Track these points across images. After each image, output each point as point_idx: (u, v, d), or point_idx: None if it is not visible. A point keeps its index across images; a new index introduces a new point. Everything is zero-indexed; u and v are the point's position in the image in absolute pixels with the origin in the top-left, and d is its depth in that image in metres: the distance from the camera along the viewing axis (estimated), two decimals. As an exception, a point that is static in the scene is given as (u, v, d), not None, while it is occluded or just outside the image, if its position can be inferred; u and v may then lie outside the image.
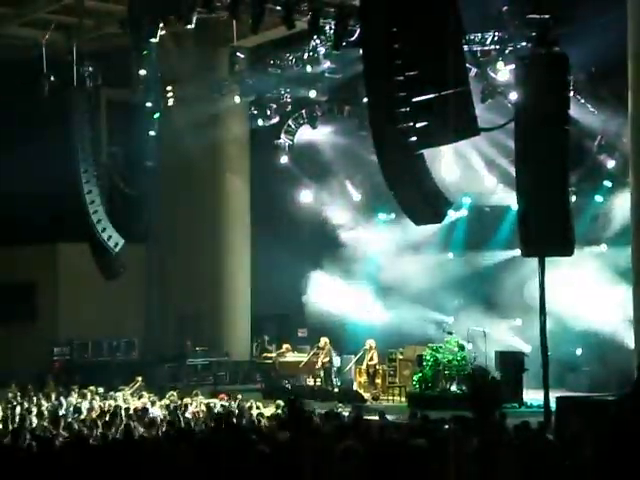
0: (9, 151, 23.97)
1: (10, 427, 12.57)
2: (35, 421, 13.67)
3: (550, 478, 6.74)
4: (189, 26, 17.69)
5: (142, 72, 21.29)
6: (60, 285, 26.91)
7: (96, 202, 23.15)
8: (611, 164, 18.38)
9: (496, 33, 17.17)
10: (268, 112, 22.30)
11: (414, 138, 13.07)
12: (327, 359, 21.59)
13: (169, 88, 22.77)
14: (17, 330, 26.05)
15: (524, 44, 16.47)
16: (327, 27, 17.84)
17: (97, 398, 17.08)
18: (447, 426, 11.24)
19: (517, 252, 14.43)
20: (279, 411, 14.54)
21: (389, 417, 14.01)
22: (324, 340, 21.76)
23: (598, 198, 19.72)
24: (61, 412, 14.56)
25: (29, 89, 22.02)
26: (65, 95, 22.21)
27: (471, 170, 20.95)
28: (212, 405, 15.76)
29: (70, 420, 13.47)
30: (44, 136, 21.79)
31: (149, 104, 22.72)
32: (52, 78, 21.72)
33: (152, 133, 22.62)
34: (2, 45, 24.81)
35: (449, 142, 15.54)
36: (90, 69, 21.96)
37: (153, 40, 18.89)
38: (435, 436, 8.65)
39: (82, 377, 21.20)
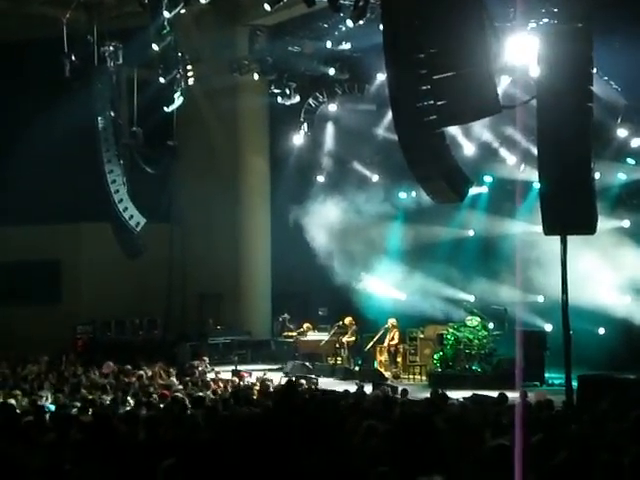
0: (31, 131, 24.09)
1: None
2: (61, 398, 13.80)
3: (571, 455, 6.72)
4: (203, 1, 17.59)
5: (162, 51, 21.25)
6: (83, 264, 27.12)
7: (117, 182, 23.25)
8: (635, 142, 18.18)
9: (518, 9, 16.94)
10: (288, 91, 22.21)
11: (434, 116, 12.98)
12: (353, 338, 21.64)
13: (189, 67, 22.74)
14: (41, 309, 26.28)
15: (547, 20, 16.26)
16: (347, 3, 17.68)
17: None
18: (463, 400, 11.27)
19: (539, 229, 14.31)
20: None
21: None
22: (349, 319, 21.78)
23: (621, 175, 19.54)
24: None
25: (50, 68, 22.06)
26: (86, 75, 22.24)
27: (490, 148, 20.81)
28: None
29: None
30: (65, 116, 21.83)
31: (169, 83, 22.69)
32: (73, 57, 21.74)
33: (166, 109, 22.57)
34: (23, 24, 24.86)
35: (471, 120, 15.43)
36: (111, 48, 21.95)
37: (169, 16, 18.82)
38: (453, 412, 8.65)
39: (104, 355, 21.38)
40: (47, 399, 13.47)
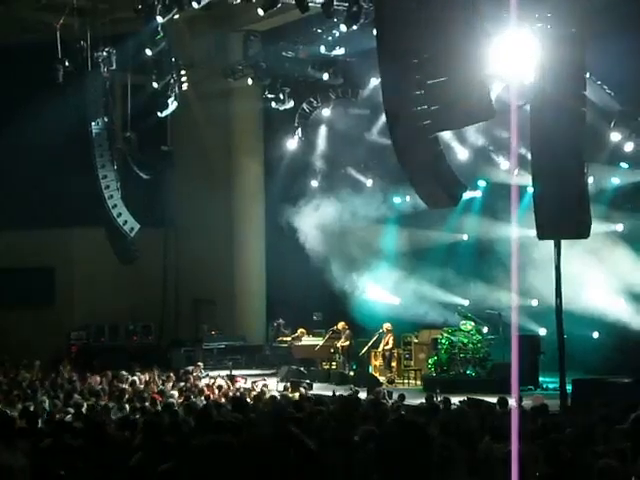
0: (25, 136, 24.04)
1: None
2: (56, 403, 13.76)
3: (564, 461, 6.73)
4: (195, 5, 17.61)
5: (156, 56, 21.26)
6: (76, 269, 27.07)
7: (112, 187, 23.24)
8: (628, 146, 18.23)
9: (512, 13, 16.96)
10: (282, 96, 22.22)
11: (428, 121, 13.00)
12: (347, 343, 21.65)
13: (183, 72, 22.75)
14: (35, 314, 26.22)
15: (540, 25, 16.30)
16: (341, 8, 17.70)
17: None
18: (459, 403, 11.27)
19: (533, 233, 14.34)
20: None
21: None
22: (342, 324, 21.81)
23: (615, 180, 19.60)
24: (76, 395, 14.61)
25: (43, 74, 22.04)
26: (79, 80, 22.23)
27: (484, 153, 20.85)
28: None
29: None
30: (59, 121, 21.84)
31: (163, 88, 22.70)
32: (66, 63, 21.73)
33: (160, 114, 22.57)
34: (17, 29, 24.85)
35: (464, 125, 15.47)
36: (104, 54, 21.94)
37: (163, 22, 18.84)
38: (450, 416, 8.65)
39: (99, 361, 21.33)
40: (44, 405, 13.43)
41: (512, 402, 11.81)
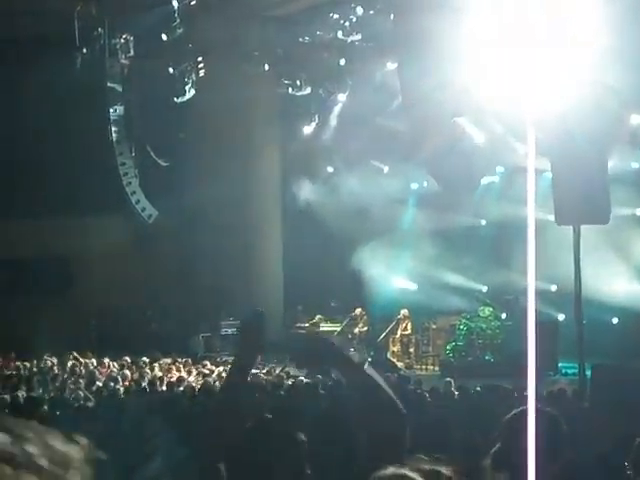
0: (43, 125, 24.14)
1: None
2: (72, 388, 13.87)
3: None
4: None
5: (173, 42, 21.28)
6: (94, 257, 27.14)
7: (130, 174, 23.31)
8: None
9: None
10: (298, 82, 22.20)
11: (445, 106, 12.95)
12: (365, 329, 21.70)
13: (200, 58, 22.75)
14: (52, 302, 26.33)
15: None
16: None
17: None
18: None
19: (551, 217, 14.25)
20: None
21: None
22: (359, 310, 21.86)
23: (634, 165, 19.46)
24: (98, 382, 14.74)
25: (62, 62, 22.09)
26: (98, 67, 22.27)
27: (501, 137, 20.73)
28: None
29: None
30: (77, 109, 21.90)
31: (180, 74, 22.74)
32: (84, 50, 21.77)
33: (177, 101, 22.59)
34: (34, 17, 24.88)
35: (481, 110, 15.39)
36: (122, 40, 21.97)
37: (179, 7, 18.87)
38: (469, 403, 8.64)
39: (117, 348, 21.42)
40: (67, 392, 13.55)
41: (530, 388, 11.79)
